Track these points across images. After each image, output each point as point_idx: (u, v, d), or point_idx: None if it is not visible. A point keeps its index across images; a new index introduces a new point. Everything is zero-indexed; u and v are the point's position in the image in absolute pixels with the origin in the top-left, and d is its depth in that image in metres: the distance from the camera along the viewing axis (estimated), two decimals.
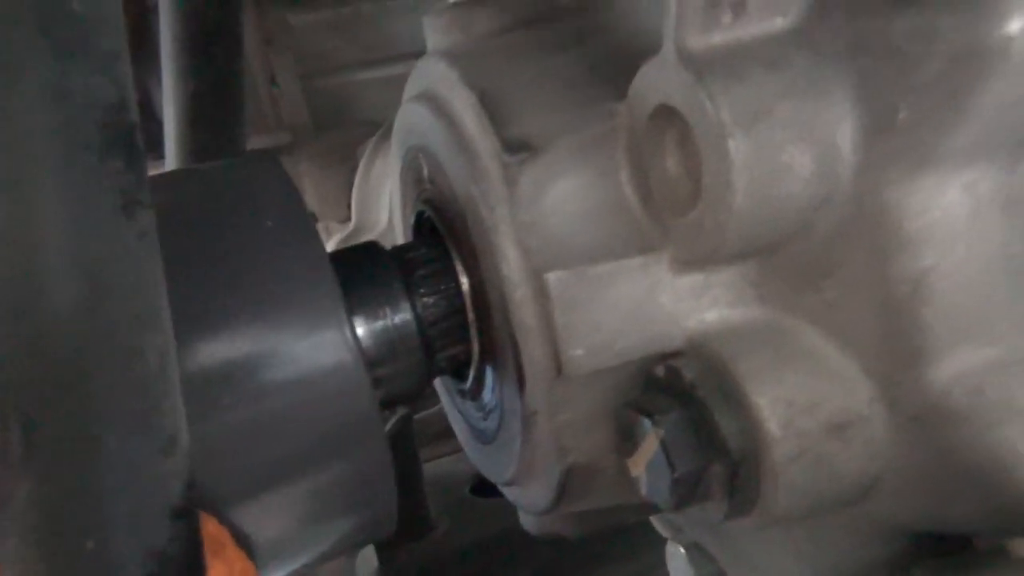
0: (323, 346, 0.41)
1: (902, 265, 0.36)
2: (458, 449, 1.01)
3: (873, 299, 0.37)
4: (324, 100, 1.27)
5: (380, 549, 0.80)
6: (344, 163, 1.16)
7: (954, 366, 0.37)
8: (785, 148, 0.35)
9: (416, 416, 0.92)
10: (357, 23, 1.30)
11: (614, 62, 0.43)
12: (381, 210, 0.82)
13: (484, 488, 0.92)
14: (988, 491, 0.37)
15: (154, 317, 0.24)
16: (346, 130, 1.25)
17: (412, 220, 0.53)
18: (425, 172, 0.50)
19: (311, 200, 1.20)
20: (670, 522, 0.59)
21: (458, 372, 0.51)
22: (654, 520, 0.61)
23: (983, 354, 0.37)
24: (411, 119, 0.50)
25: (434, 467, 0.97)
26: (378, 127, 1.22)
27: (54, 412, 0.23)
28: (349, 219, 1.12)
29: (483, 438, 0.51)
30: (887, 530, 0.42)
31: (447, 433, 0.98)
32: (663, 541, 0.62)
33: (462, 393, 0.53)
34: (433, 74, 0.47)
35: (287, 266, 0.41)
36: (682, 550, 0.57)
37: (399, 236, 0.57)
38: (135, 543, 0.23)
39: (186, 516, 0.24)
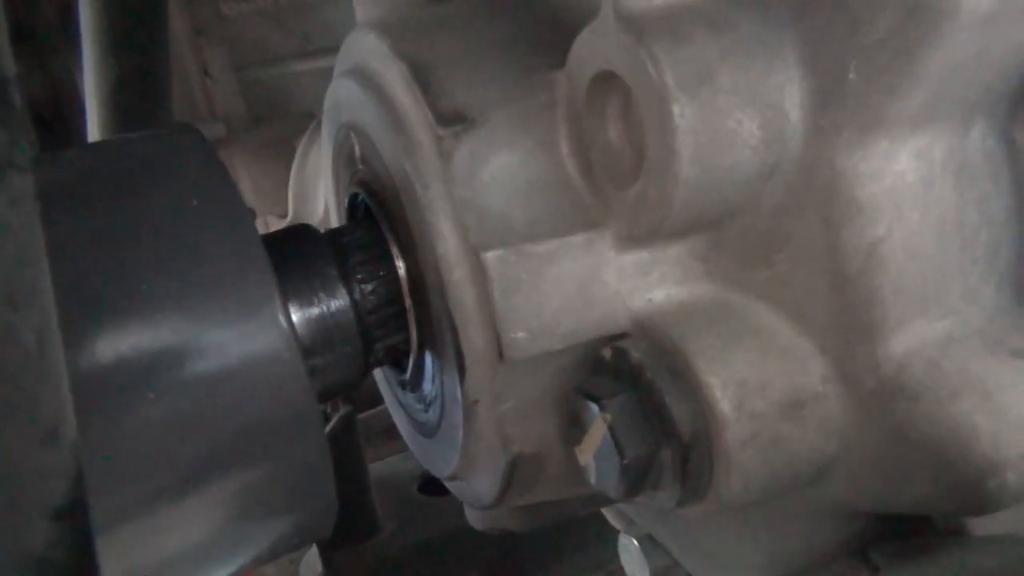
0: (256, 333, 0.38)
1: (854, 235, 0.34)
2: (406, 448, 0.98)
3: (825, 272, 0.35)
4: (259, 91, 1.24)
5: (325, 551, 0.77)
6: (281, 156, 1.13)
7: (909, 339, 0.35)
8: (731, 113, 0.34)
9: (360, 415, 0.89)
10: (294, 12, 1.27)
11: (551, 30, 0.41)
12: (318, 200, 0.79)
13: (433, 487, 0.89)
14: (946, 467, 0.35)
15: (29, 293, 0.22)
16: (283, 122, 1.21)
17: (346, 203, 0.50)
18: (357, 152, 0.47)
19: (248, 194, 1.16)
20: (622, 513, 0.57)
21: (397, 362, 0.48)
22: (606, 512, 0.59)
23: (938, 327, 0.35)
24: (341, 95, 0.47)
25: (380, 466, 0.94)
26: (315, 119, 1.19)
27: None
28: (285, 212, 1.09)
29: (425, 431, 0.49)
30: (843, 512, 0.41)
31: (393, 431, 0.95)
32: (615, 533, 0.60)
33: (402, 384, 0.50)
34: (362, 47, 0.44)
35: (215, 246, 0.38)
36: (635, 542, 0.56)
37: (334, 221, 0.55)
38: (7, 546, 0.20)
39: (70, 517, 0.21)
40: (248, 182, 1.15)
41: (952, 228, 0.35)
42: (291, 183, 0.85)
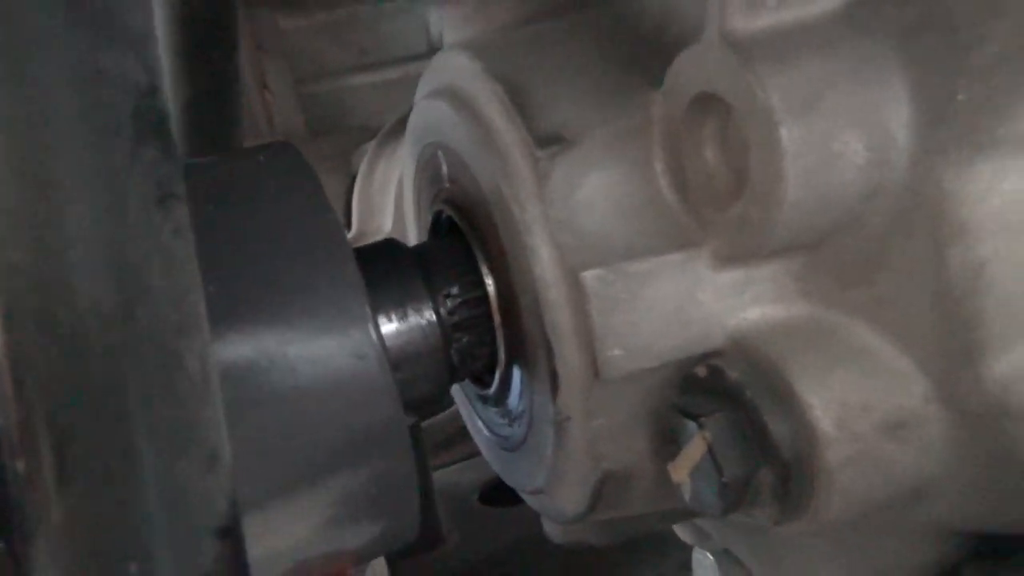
0: (349, 346, 0.39)
1: (960, 255, 0.34)
2: (464, 458, 0.98)
3: (929, 292, 0.35)
4: (318, 105, 1.26)
5: (391, 562, 0.78)
6: (339, 169, 1.14)
7: (1014, 361, 0.35)
8: (837, 136, 0.34)
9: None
10: (350, 26, 1.28)
11: (646, 50, 0.42)
12: (385, 216, 0.80)
13: (492, 497, 0.90)
14: None
15: (193, 320, 0.22)
16: (341, 135, 1.23)
17: (429, 220, 0.51)
18: (444, 170, 0.48)
19: None
20: (696, 527, 0.57)
21: (479, 377, 0.49)
22: (677, 527, 0.59)
23: None
24: (429, 116, 0.48)
25: (439, 477, 0.94)
26: (373, 132, 1.20)
27: (88, 428, 0.21)
28: (347, 226, 1.10)
29: (507, 445, 0.49)
30: (938, 531, 0.40)
31: (452, 442, 0.96)
32: (681, 547, 0.60)
33: (483, 399, 0.51)
34: (453, 68, 0.45)
35: (311, 261, 0.39)
36: (710, 557, 0.56)
37: (412, 238, 0.56)
38: (180, 565, 0.21)
39: (231, 534, 0.22)
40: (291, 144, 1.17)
41: None
42: (356, 198, 0.87)
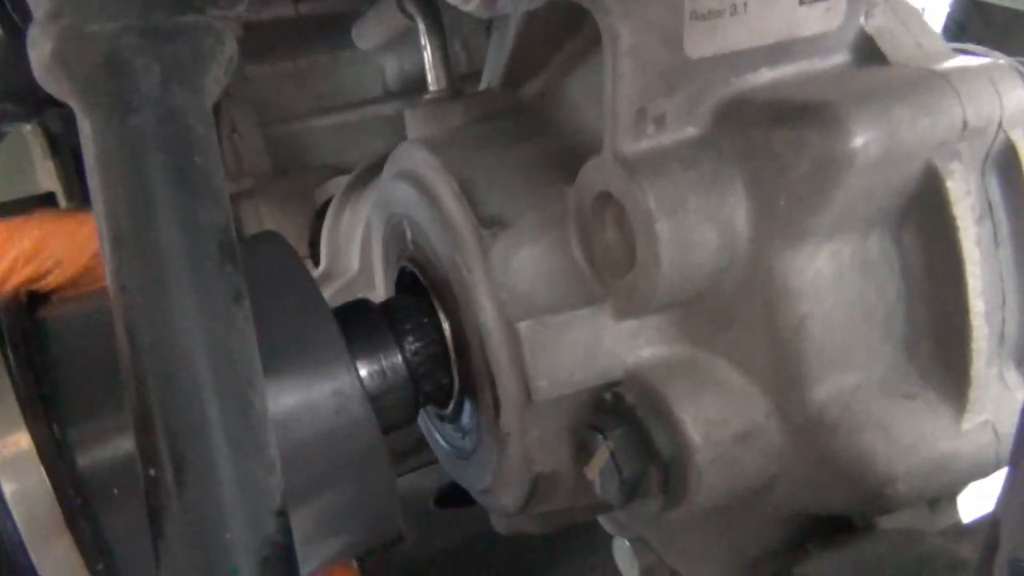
0: (333, 386, 0.51)
1: (786, 312, 0.48)
2: (420, 466, 1.10)
3: (766, 338, 0.49)
4: (282, 146, 1.36)
5: (358, 558, 0.89)
6: (304, 204, 1.25)
7: (828, 388, 0.49)
8: (697, 228, 0.47)
9: None
10: (311, 74, 1.39)
11: (563, 152, 0.55)
12: (351, 258, 0.91)
13: (446, 500, 1.02)
14: (856, 481, 0.49)
15: (257, 376, 0.34)
16: (304, 174, 1.33)
17: (396, 274, 0.63)
18: (409, 236, 0.60)
19: None
20: (616, 520, 0.70)
21: (439, 401, 0.61)
22: (602, 519, 0.72)
23: (848, 378, 0.49)
24: (396, 193, 0.60)
25: (400, 482, 1.06)
26: (333, 170, 1.31)
27: (196, 451, 0.33)
28: (308, 255, 1.21)
29: (461, 455, 0.62)
30: (785, 515, 0.54)
31: (405, 454, 1.07)
32: (608, 539, 0.73)
33: (441, 418, 0.63)
34: (415, 158, 0.58)
35: (302, 326, 0.51)
36: (627, 543, 0.68)
37: (380, 287, 0.68)
38: (256, 533, 0.33)
39: (283, 515, 0.34)
40: (273, 228, 1.27)
41: (857, 306, 0.49)
42: (324, 239, 0.98)
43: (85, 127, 0.34)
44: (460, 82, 0.63)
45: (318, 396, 0.50)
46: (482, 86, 0.64)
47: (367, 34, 0.68)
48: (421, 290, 0.59)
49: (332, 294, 0.90)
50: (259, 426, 0.34)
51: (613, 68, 0.46)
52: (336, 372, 0.51)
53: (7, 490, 0.41)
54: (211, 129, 0.36)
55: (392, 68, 1.41)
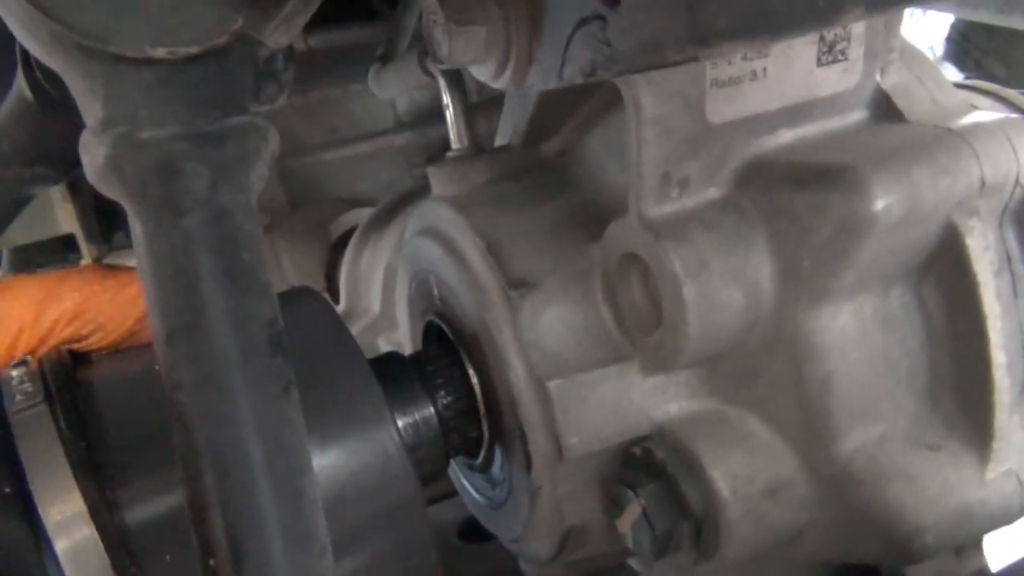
0: (376, 446, 0.52)
1: (812, 370, 0.49)
2: (440, 498, 1.10)
3: (793, 394, 0.50)
4: (296, 179, 1.37)
5: None
6: (320, 238, 1.26)
7: (854, 441, 0.50)
8: (723, 289, 0.48)
9: None
10: (322, 107, 1.41)
11: (585, 210, 0.56)
12: (372, 299, 0.92)
13: (470, 535, 1.03)
14: (884, 531, 0.50)
15: (307, 465, 0.36)
16: (318, 207, 1.34)
17: (422, 328, 0.64)
18: (435, 292, 0.61)
19: (289, 274, 1.30)
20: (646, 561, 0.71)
21: (468, 451, 0.62)
22: (632, 560, 0.73)
23: (874, 431, 0.50)
24: (422, 250, 0.61)
25: None
26: (347, 202, 1.33)
27: (250, 537, 0.34)
28: (325, 289, 1.22)
29: (492, 504, 0.63)
30: (813, 564, 0.55)
31: (428, 483, 1.07)
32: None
33: (471, 467, 0.64)
34: (441, 217, 0.59)
35: (345, 386, 0.52)
36: None
37: (406, 338, 0.69)
38: None
39: None
40: (289, 263, 1.28)
41: (880, 361, 0.50)
42: (344, 279, 0.99)
43: (137, 228, 0.35)
44: (473, 110, 0.63)
45: (363, 455, 0.51)
46: (498, 141, 0.66)
47: (385, 85, 0.69)
48: (447, 344, 0.60)
49: (355, 335, 0.91)
50: (311, 513, 0.35)
51: (637, 135, 0.47)
52: (379, 432, 0.52)
53: (59, 548, 0.42)
54: (257, 224, 0.37)
55: (402, 99, 1.42)
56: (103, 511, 0.43)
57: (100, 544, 0.43)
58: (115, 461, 0.45)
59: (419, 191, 0.97)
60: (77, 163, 0.72)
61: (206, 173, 0.34)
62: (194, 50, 0.34)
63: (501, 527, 0.63)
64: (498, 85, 0.44)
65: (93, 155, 0.35)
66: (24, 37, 0.36)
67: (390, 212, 0.96)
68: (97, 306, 0.52)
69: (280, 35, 0.35)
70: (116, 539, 0.43)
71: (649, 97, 0.46)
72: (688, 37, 0.30)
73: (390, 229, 0.93)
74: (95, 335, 0.53)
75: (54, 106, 0.65)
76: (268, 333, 0.35)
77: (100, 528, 0.43)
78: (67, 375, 0.48)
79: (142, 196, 0.35)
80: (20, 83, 0.65)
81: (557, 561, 0.60)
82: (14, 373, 0.46)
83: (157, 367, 0.42)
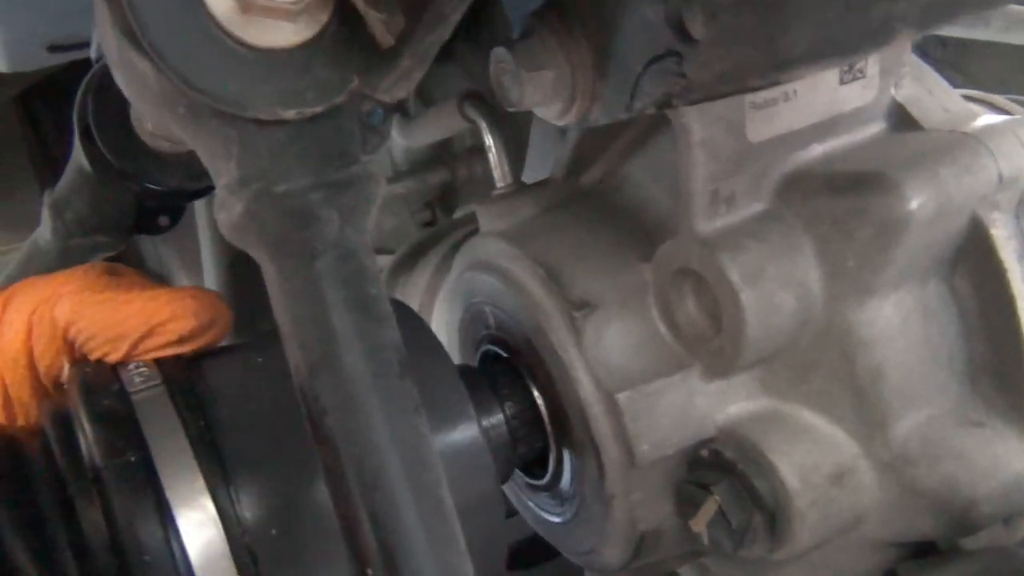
0: (464, 438, 0.56)
1: (864, 361, 0.53)
2: None
3: (847, 385, 0.54)
4: None
5: None
6: None
7: (907, 424, 0.54)
8: (776, 293, 0.52)
9: None
10: None
11: (632, 231, 0.60)
12: None
13: (517, 562, 1.05)
14: (941, 507, 0.54)
15: (442, 476, 0.39)
16: None
17: (479, 355, 0.68)
18: (491, 320, 0.65)
19: None
20: (701, 566, 0.74)
21: (531, 461, 0.65)
22: (683, 570, 0.76)
23: (923, 413, 0.54)
24: (475, 283, 0.65)
25: None
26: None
27: (404, 550, 0.37)
28: None
29: (560, 521, 0.66)
30: (876, 544, 0.58)
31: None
32: None
33: (533, 487, 0.67)
34: (494, 250, 0.62)
35: (438, 388, 0.56)
36: None
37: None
38: None
39: None
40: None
41: (924, 348, 0.54)
42: None
43: (271, 271, 0.39)
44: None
45: (452, 444, 0.55)
46: (526, 175, 0.70)
47: (419, 133, 0.73)
48: (508, 368, 0.64)
49: None
50: (451, 519, 0.38)
51: (687, 158, 0.51)
52: (465, 425, 0.56)
53: (192, 553, 0.45)
54: (375, 261, 0.40)
55: (399, 148, 1.46)
56: (230, 513, 0.46)
57: (228, 548, 0.46)
58: (231, 442, 0.48)
59: (438, 236, 1.01)
60: (136, 229, 0.75)
61: (336, 218, 0.38)
62: (319, 109, 0.38)
63: (571, 542, 0.66)
64: (563, 123, 0.48)
65: (231, 211, 0.38)
66: (154, 110, 0.40)
67: (413, 257, 1.00)
68: (90, 318, 0.50)
69: (398, 90, 0.39)
70: (242, 543, 0.46)
71: (697, 122, 0.50)
72: (769, 65, 0.34)
73: (416, 274, 0.97)
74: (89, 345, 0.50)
75: (112, 176, 0.68)
76: (397, 357, 0.39)
77: (227, 531, 0.46)
78: (179, 363, 0.51)
79: (279, 243, 0.38)
80: (77, 156, 0.68)
81: (628, 568, 0.63)
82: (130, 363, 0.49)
83: (260, 359, 0.48)
